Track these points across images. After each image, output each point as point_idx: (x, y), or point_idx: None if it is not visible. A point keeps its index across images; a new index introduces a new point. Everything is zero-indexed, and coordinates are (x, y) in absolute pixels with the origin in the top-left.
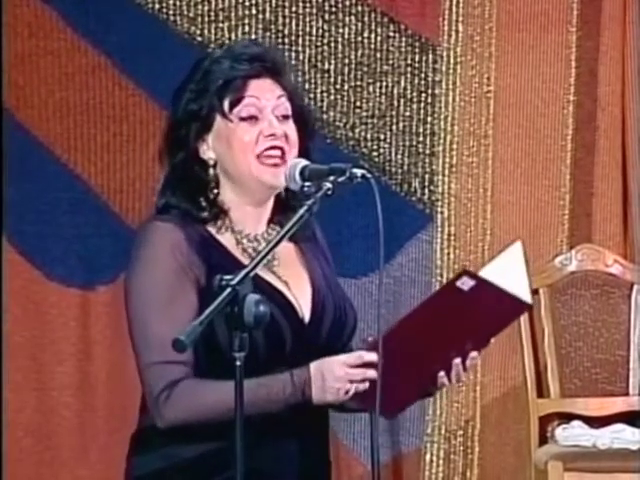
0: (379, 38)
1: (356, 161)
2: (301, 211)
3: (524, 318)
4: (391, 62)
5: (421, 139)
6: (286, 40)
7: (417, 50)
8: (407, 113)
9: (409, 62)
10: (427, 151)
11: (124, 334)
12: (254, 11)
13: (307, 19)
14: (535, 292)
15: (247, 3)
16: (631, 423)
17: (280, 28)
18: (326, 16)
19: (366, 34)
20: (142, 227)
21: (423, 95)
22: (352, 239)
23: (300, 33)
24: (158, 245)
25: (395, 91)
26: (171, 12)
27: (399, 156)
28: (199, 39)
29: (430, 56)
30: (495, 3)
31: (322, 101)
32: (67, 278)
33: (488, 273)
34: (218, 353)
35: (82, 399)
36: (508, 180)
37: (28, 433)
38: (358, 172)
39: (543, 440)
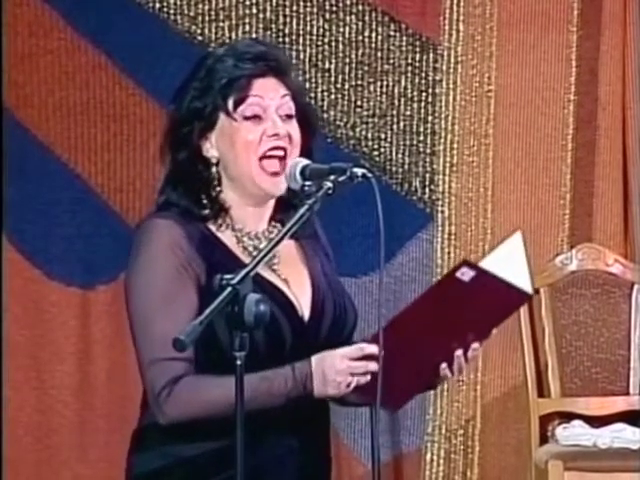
0: (380, 37)
1: (357, 160)
2: (302, 210)
3: (525, 317)
4: (392, 61)
5: (422, 138)
6: (287, 39)
7: (418, 49)
8: (408, 112)
9: (410, 61)
10: (428, 150)
11: (124, 333)
12: (254, 10)
13: (308, 18)
14: (536, 291)
15: (247, 2)
16: (631, 422)
17: (281, 27)
18: (327, 15)
19: (367, 33)
20: (142, 224)
21: (424, 94)
22: (352, 238)
23: (301, 32)
24: (158, 242)
25: (396, 90)
26: (171, 11)
27: (400, 155)
28: (200, 38)
29: (431, 55)
30: (496, 2)
31: (323, 100)
32: (67, 277)
33: (488, 264)
34: (218, 352)
35: (82, 398)
36: (509, 179)
37: (28, 432)
38: (359, 171)
39: (543, 439)
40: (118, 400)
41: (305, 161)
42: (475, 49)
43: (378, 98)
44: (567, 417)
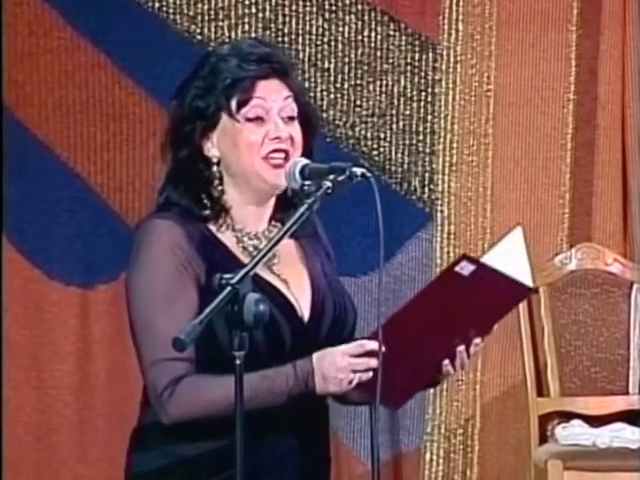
0: (379, 37)
1: (356, 160)
2: (301, 210)
3: (524, 317)
4: (391, 61)
5: (421, 138)
6: (286, 39)
7: (417, 49)
8: (407, 112)
9: (409, 61)
10: (427, 150)
11: (124, 333)
12: (254, 10)
13: (307, 18)
14: (535, 291)
15: (247, 2)
16: (631, 422)
17: (280, 27)
18: (326, 15)
19: (366, 33)
20: (141, 225)
21: (423, 94)
22: (352, 238)
23: (300, 32)
24: (158, 242)
25: (395, 90)
26: (171, 11)
27: (399, 155)
28: (199, 38)
29: (430, 55)
30: (495, 2)
31: (322, 100)
32: (67, 277)
33: (490, 259)
34: (218, 352)
35: (82, 397)
36: (508, 179)
37: (28, 431)
38: (358, 171)
39: (543, 439)
40: (118, 400)
41: (304, 160)
42: (474, 48)
43: (377, 97)
44: (566, 416)
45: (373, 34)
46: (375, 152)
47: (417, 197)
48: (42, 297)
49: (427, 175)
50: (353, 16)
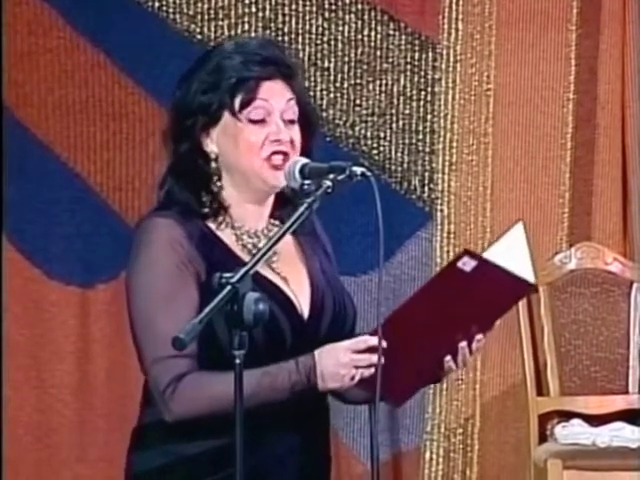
0: (379, 36)
1: (356, 159)
2: (301, 209)
3: (524, 316)
4: (391, 60)
5: (421, 137)
6: (286, 38)
7: (417, 48)
8: (407, 111)
9: (409, 60)
10: (427, 149)
11: (123, 332)
12: (254, 9)
13: (307, 17)
14: (535, 290)
15: (247, 1)
16: (630, 421)
17: (280, 26)
18: (326, 14)
19: (366, 32)
20: (141, 224)
21: (423, 93)
22: (352, 237)
23: (300, 31)
24: (158, 241)
25: (395, 89)
26: (171, 10)
27: (399, 154)
28: (199, 37)
29: (430, 54)
30: (495, 1)
31: (322, 99)
32: (66, 276)
33: (491, 255)
34: (218, 351)
35: (81, 397)
36: (508, 178)
37: (28, 431)
38: (358, 170)
39: (543, 438)
40: (118, 399)
41: (304, 160)
42: (474, 48)
43: (377, 97)
44: (566, 416)
45: (373, 33)
46: (375, 151)
47: (417, 196)
48: (42, 297)
49: (427, 174)
50: (353, 15)
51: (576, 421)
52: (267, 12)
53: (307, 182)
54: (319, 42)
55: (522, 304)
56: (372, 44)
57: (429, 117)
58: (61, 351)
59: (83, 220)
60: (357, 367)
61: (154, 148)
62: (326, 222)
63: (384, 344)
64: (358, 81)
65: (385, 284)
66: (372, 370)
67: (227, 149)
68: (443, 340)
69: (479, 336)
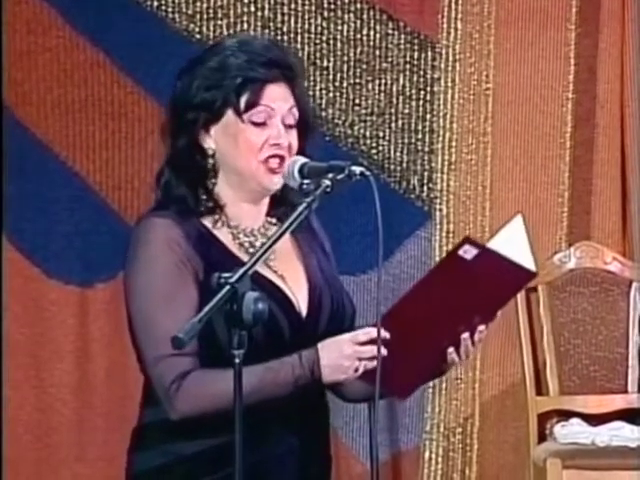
0: (378, 35)
1: (355, 159)
2: (300, 208)
3: (523, 315)
4: (390, 59)
5: (420, 137)
6: (285, 37)
7: (416, 47)
8: (406, 110)
9: (408, 59)
10: (426, 148)
11: (123, 331)
12: (253, 8)
13: (306, 16)
14: (534, 289)
15: (246, 0)
16: (630, 420)
17: (279, 25)
18: (325, 13)
19: (365, 31)
20: (139, 224)
21: (422, 92)
22: (351, 237)
23: (299, 30)
24: (156, 241)
25: (394, 88)
26: (170, 9)
27: (398, 153)
28: (198, 37)
29: (429, 53)
30: (494, 0)
31: (321, 98)
32: (66, 275)
33: (491, 247)
34: (217, 350)
35: (81, 396)
36: (507, 177)
37: (27, 430)
38: (357, 169)
39: (542, 437)
40: (117, 398)
41: (303, 159)
42: (473, 47)
43: (376, 96)
44: (565, 415)
45: (372, 33)
46: (374, 151)
47: (416, 196)
48: (41, 296)
49: (426, 174)
50: (352, 15)
51: (575, 420)
52: (266, 11)
53: (306, 181)
54: (318, 41)
55: (521, 303)
56: (371, 43)
57: (428, 116)
58: (60, 350)
59: (82, 219)
60: (360, 359)
61: (153, 147)
62: (325, 222)
63: (387, 335)
64: (357, 80)
65: (384, 283)
66: (375, 362)
67: (226, 147)
68: (445, 332)
69: (481, 327)
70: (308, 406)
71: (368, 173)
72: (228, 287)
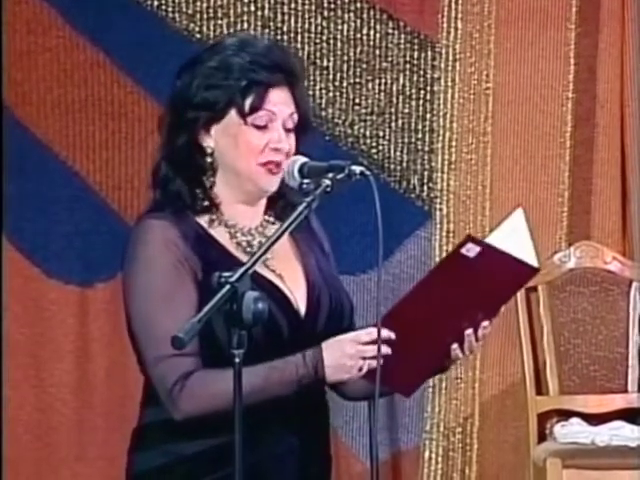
0: (378, 35)
1: (355, 158)
2: (300, 208)
3: (523, 315)
4: (390, 59)
5: (420, 136)
6: (285, 37)
7: (416, 47)
8: (406, 110)
9: (408, 59)
10: (426, 148)
11: (123, 331)
12: (253, 8)
13: (306, 16)
14: (534, 289)
15: (246, 0)
16: (630, 420)
17: (279, 25)
18: (325, 13)
19: (365, 31)
20: (136, 226)
21: (422, 92)
22: (351, 236)
23: (299, 30)
24: (154, 242)
25: (394, 88)
26: (170, 9)
27: (398, 153)
28: (198, 36)
29: (429, 53)
30: (494, 0)
31: (321, 98)
32: (66, 275)
33: (492, 241)
34: (216, 350)
35: (81, 396)
36: (507, 177)
37: (27, 430)
38: (357, 169)
39: (542, 437)
40: (117, 398)
41: (303, 159)
42: (473, 47)
43: (376, 96)
44: (565, 415)
45: (372, 32)
46: (374, 150)
47: (416, 195)
48: (41, 295)
49: (426, 173)
50: (352, 14)
51: (575, 420)
52: (266, 11)
53: (306, 181)
54: (318, 41)
55: (521, 303)
56: (371, 43)
57: (428, 116)
58: (60, 350)
59: (82, 219)
60: (364, 358)
61: (153, 147)
62: (325, 221)
63: (392, 335)
64: (357, 80)
65: (384, 283)
66: (381, 361)
67: (226, 148)
68: (449, 328)
69: (485, 323)
70: (308, 406)
71: (368, 173)
72: (228, 286)
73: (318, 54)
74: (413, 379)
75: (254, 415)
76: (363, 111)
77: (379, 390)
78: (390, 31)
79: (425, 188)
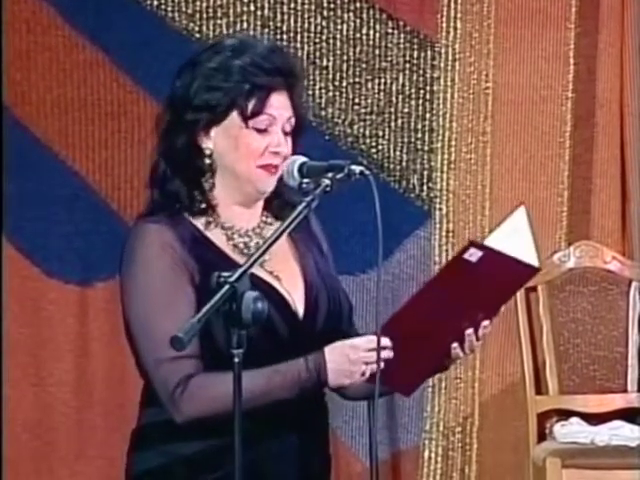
0: (377, 35)
1: (354, 158)
2: (299, 208)
3: (522, 315)
4: (389, 59)
5: (420, 136)
6: (284, 37)
7: (415, 47)
8: (405, 110)
9: (407, 59)
10: (426, 148)
11: (122, 331)
12: (252, 7)
13: (305, 16)
14: (533, 289)
15: (245, 0)
16: (629, 420)
17: (278, 25)
18: (324, 13)
19: (364, 31)
20: (133, 229)
21: (421, 92)
22: (350, 236)
23: (298, 30)
24: (151, 245)
25: (394, 88)
26: (169, 8)
27: (397, 153)
28: (197, 36)
29: (429, 53)
30: (493, 0)
31: (320, 98)
32: (65, 275)
33: (494, 240)
34: (216, 350)
35: (80, 395)
36: (506, 177)
37: (26, 429)
38: (356, 169)
39: (541, 437)
40: (116, 397)
41: (303, 158)
42: (473, 46)
43: (376, 95)
44: (565, 414)
45: (372, 32)
46: (374, 150)
47: (416, 195)
48: (41, 295)
49: (426, 173)
50: (351, 14)
51: (575, 420)
52: (266, 10)
53: (306, 181)
54: (318, 41)
55: (521, 303)
56: (371, 43)
57: (428, 116)
58: (60, 349)
59: (82, 218)
60: (367, 363)
61: (152, 147)
62: (325, 221)
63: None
64: (357, 80)
65: (384, 283)
66: (382, 365)
67: (225, 149)
68: (449, 328)
69: (485, 322)
70: (307, 406)
71: (368, 172)
72: (228, 286)
73: (318, 54)
74: (413, 378)
75: (254, 415)
76: (363, 111)
77: (379, 390)
78: (390, 31)
79: (425, 188)
